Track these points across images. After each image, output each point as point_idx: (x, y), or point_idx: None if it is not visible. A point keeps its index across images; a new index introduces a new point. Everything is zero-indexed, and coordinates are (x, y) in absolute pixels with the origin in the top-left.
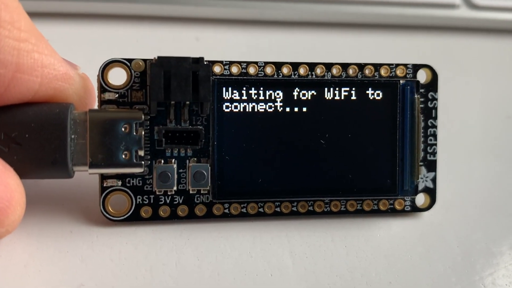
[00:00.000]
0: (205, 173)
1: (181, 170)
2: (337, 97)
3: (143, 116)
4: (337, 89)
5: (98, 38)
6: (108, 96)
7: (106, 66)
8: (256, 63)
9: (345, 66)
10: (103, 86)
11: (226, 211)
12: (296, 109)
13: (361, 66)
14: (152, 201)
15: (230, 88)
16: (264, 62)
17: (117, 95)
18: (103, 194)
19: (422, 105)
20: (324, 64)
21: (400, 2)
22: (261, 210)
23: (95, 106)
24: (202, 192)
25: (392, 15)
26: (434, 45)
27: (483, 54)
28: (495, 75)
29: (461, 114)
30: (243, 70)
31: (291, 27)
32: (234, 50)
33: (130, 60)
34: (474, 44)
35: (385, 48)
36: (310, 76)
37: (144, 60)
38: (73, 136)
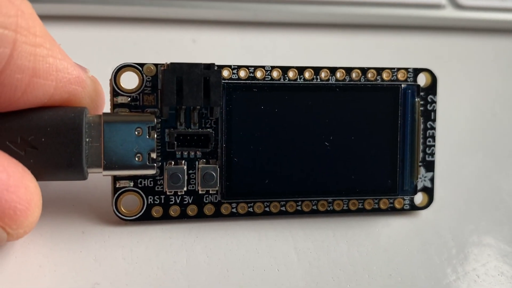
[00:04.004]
0: (214, 174)
1: (190, 171)
2: (341, 101)
3: (155, 120)
4: (341, 92)
5: (96, 41)
6: (120, 100)
7: (119, 71)
8: (263, 67)
9: (348, 70)
10: (116, 90)
11: (234, 210)
12: (301, 112)
13: (364, 70)
14: (163, 201)
15: (238, 92)
16: (271, 66)
17: (129, 99)
18: (116, 195)
19: (421, 108)
20: (328, 68)
21: (386, 3)
22: (267, 209)
23: (106, 108)
24: (211, 192)
25: (377, 15)
26: (420, 45)
27: (468, 54)
28: (480, 73)
29: (449, 112)
30: (251, 74)
31: (286, 29)
32: (230, 51)
33: (141, 65)
34: (460, 44)
35: (371, 48)
36: (315, 80)
37: (156, 65)
38: (87, 140)
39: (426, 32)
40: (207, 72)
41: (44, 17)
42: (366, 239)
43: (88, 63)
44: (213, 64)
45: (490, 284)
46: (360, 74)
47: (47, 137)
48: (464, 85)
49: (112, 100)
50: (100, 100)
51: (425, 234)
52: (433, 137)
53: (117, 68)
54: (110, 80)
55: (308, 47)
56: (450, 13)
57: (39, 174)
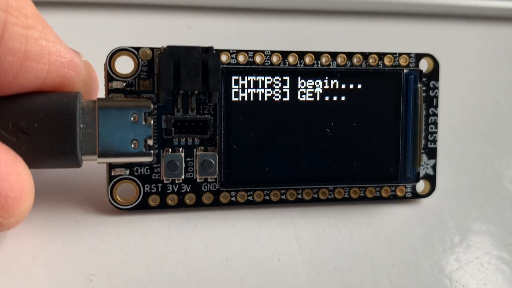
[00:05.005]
0: (213, 162)
1: (188, 159)
2: (342, 86)
3: (152, 105)
4: (342, 78)
5: (88, 27)
6: (115, 85)
7: (113, 55)
8: (262, 51)
9: (350, 55)
10: (110, 75)
11: (233, 199)
12: (302, 98)
13: (365, 55)
14: (160, 190)
15: (237, 77)
16: (271, 51)
17: (124, 84)
18: (111, 183)
19: (424, 94)
20: (329, 53)
21: None
22: (267, 198)
23: (100, 94)
24: (209, 180)
25: (376, 2)
26: (418, 33)
27: (467, 41)
28: (479, 61)
29: (450, 100)
30: (250, 59)
31: (282, 15)
32: (226, 38)
33: (137, 49)
34: (459, 31)
35: (370, 35)
36: (315, 65)
37: (152, 49)
38: (82, 126)
39: (425, 20)
40: (206, 56)
41: (35, 3)
42: (368, 228)
43: (81, 49)
44: (212, 47)
45: (493, 273)
46: (362, 59)
47: (40, 123)
48: (463, 73)
49: (106, 85)
50: (94, 85)
51: (428, 222)
52: (435, 123)
53: (112, 52)
54: (105, 64)
55: (306, 34)
56: (450, 0)
57: (32, 161)
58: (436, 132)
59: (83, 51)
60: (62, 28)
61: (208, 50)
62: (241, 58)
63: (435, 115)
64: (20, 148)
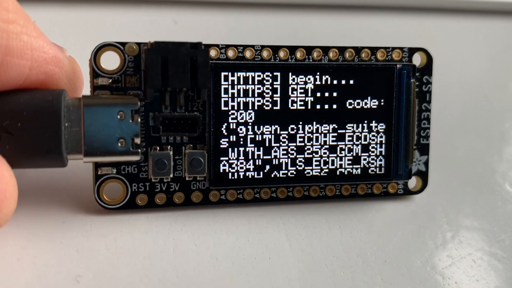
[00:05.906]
0: (202, 160)
1: (177, 157)
2: (334, 82)
3: (139, 102)
4: (334, 73)
5: (72, 22)
6: (101, 81)
7: (99, 50)
8: (252, 46)
9: (342, 49)
10: (96, 71)
11: (223, 197)
12: (293, 94)
13: (357, 50)
14: (148, 189)
15: (227, 73)
16: (261, 46)
17: (110, 81)
18: (98, 182)
19: (417, 89)
20: (321, 47)
21: None
22: (257, 196)
23: (85, 91)
24: (198, 179)
25: None
26: (410, 26)
27: (458, 35)
28: (471, 56)
29: (440, 95)
30: (240, 54)
31: (272, 9)
32: (213, 33)
33: (123, 44)
34: (450, 25)
35: (362, 29)
36: (307, 60)
37: (138, 44)
38: (67, 124)
39: (417, 14)
40: (194, 52)
41: None
42: (360, 225)
43: (65, 45)
44: (200, 43)
45: (485, 269)
46: (354, 54)
47: (24, 121)
48: (456, 67)
49: (92, 82)
50: (79, 82)
51: (420, 218)
52: (428, 119)
53: (97, 47)
54: (90, 60)
55: (295, 29)
56: None
57: (16, 161)
58: (428, 128)
59: (69, 47)
60: (45, 23)
61: (196, 46)
62: (230, 53)
63: (428, 110)
64: (3, 148)
